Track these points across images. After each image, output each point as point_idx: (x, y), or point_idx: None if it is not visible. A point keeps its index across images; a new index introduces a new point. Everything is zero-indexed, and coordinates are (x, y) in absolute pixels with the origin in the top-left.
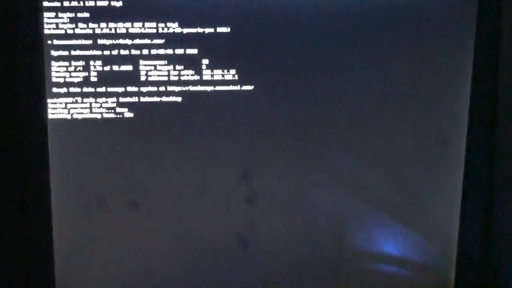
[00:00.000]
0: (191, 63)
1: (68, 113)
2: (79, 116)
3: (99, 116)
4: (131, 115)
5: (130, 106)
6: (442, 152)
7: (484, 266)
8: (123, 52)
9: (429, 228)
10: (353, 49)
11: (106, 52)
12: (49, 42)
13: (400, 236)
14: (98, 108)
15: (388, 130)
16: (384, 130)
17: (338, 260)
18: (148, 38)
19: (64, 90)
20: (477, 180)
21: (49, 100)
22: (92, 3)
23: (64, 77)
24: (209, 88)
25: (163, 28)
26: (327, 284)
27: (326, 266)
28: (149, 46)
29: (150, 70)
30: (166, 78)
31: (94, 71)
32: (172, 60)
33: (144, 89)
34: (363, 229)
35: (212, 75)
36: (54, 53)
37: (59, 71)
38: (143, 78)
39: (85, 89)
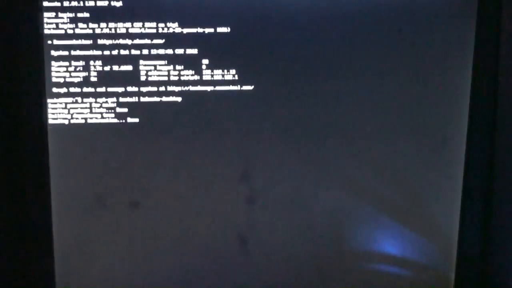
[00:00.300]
0: (191, 63)
1: (68, 113)
2: (79, 116)
3: (99, 116)
4: (132, 117)
5: (130, 106)
6: (442, 152)
7: (484, 266)
8: (123, 52)
9: (429, 228)
10: (352, 49)
11: (106, 52)
12: (49, 42)
13: (400, 236)
14: (98, 108)
15: (388, 130)
16: (384, 130)
17: (338, 260)
18: (148, 38)
19: (64, 90)
20: (477, 180)
21: (49, 100)
22: (92, 3)
23: (64, 77)
24: (209, 88)
25: (163, 28)
26: (327, 284)
27: (326, 266)
28: (149, 46)
29: (150, 70)
30: (166, 78)
31: (94, 71)
32: (172, 60)
33: (144, 89)
34: (363, 229)
35: (212, 75)
36: (54, 53)
37: (59, 71)
38: (143, 78)
39: (85, 89)
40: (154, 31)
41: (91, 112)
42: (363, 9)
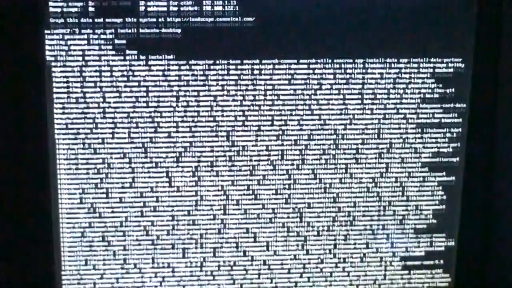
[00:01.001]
0: None
1: (66, 44)
2: (77, 48)
3: (96, 48)
4: (130, 50)
5: (128, 38)
6: (442, 152)
7: (484, 266)
8: None
9: (429, 228)
10: (353, 44)
11: None
12: None
13: (400, 236)
14: (96, 40)
15: (388, 130)
16: (383, 130)
17: (337, 260)
18: None
19: (61, 20)
20: (477, 180)
21: (46, 31)
22: None
23: (62, 7)
24: (209, 20)
25: None
26: (326, 284)
27: (325, 266)
28: None
29: (149, 1)
30: (165, 9)
31: (92, 1)
32: None
33: (143, 21)
34: (363, 229)
35: (212, 6)
36: None
37: (56, 1)
38: (142, 9)
39: (82, 20)
40: None
41: (88, 44)
42: (363, 7)
